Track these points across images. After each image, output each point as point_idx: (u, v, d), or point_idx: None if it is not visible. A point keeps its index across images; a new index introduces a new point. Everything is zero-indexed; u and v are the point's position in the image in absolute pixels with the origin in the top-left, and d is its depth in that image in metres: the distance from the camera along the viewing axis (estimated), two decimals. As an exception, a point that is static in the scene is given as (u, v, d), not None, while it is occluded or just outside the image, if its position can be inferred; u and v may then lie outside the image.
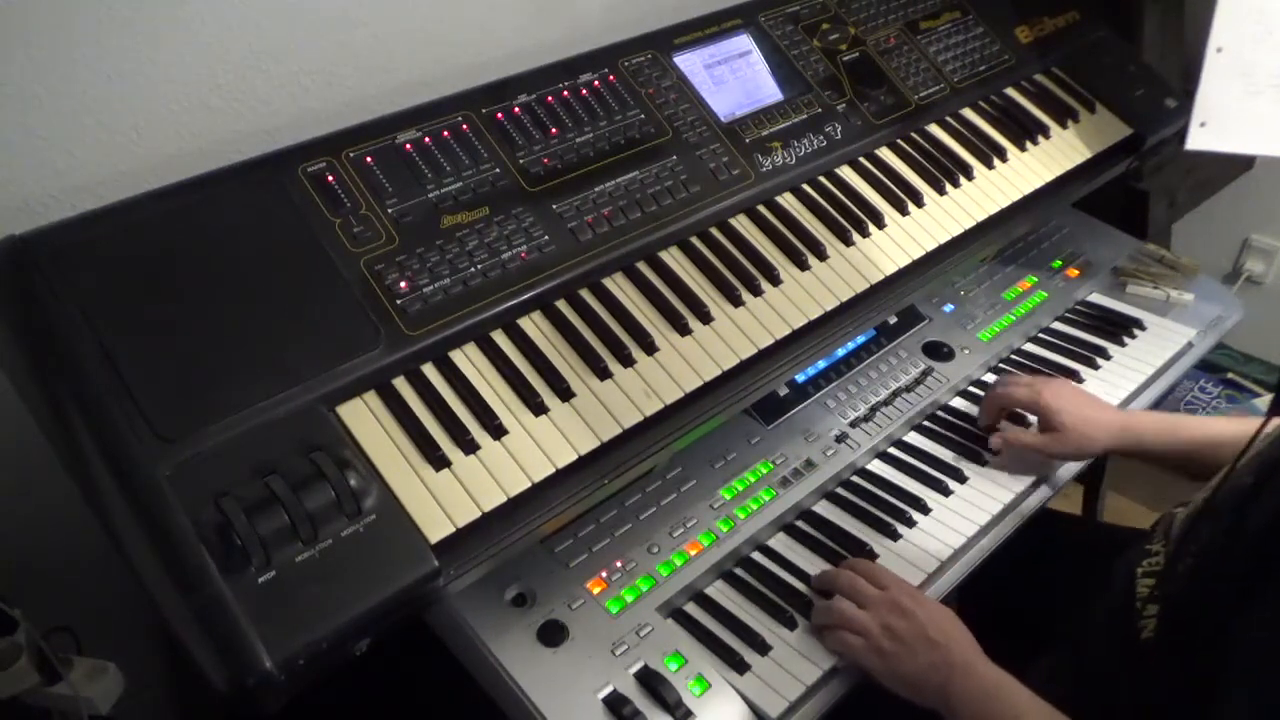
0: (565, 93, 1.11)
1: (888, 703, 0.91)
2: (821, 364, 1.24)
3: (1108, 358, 1.33)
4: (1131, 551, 0.95)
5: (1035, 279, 1.46)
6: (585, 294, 1.01)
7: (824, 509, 1.11)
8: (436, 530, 0.82)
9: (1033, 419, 1.17)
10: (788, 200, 1.18)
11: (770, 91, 1.24)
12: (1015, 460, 1.14)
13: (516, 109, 1.07)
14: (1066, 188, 1.38)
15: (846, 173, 1.24)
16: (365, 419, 0.86)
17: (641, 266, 1.06)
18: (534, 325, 0.98)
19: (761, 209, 1.15)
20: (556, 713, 0.86)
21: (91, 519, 0.79)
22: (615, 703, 0.86)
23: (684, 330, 1.01)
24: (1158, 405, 1.29)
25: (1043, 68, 1.49)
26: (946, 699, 0.87)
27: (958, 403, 1.27)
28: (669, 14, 1.25)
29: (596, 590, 0.96)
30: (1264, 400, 2.03)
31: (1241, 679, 0.71)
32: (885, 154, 1.28)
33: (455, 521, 0.83)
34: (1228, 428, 1.05)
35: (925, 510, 1.10)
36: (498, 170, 1.03)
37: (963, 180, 1.29)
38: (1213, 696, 0.72)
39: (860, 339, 1.28)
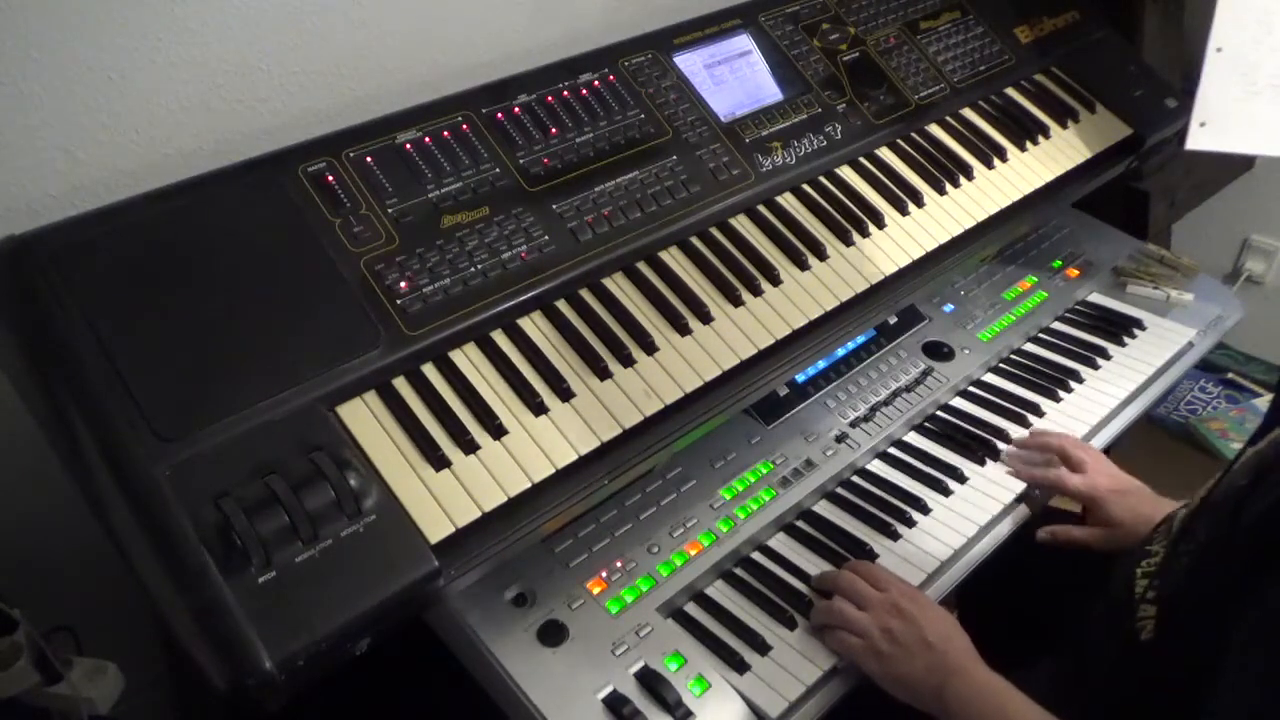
0: (565, 93, 1.11)
1: (888, 703, 0.91)
2: (821, 364, 1.24)
3: (1108, 358, 1.33)
4: (1132, 552, 0.94)
5: (1035, 279, 1.46)
6: (585, 294, 1.01)
7: (824, 509, 1.10)
8: (436, 530, 0.82)
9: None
10: (788, 200, 1.18)
11: (770, 91, 1.24)
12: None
13: (516, 109, 1.08)
14: (1066, 188, 1.38)
15: (846, 173, 1.24)
16: (365, 419, 0.86)
17: (641, 266, 1.06)
18: (534, 325, 0.98)
19: (761, 209, 1.15)
20: (556, 713, 0.86)
21: (91, 519, 0.79)
22: (615, 703, 0.86)
23: (684, 330, 1.01)
24: (1158, 405, 1.29)
25: (1043, 68, 1.49)
26: (943, 703, 0.87)
27: (958, 403, 1.27)
28: (669, 14, 1.25)
29: (596, 590, 0.96)
30: (1264, 400, 2.03)
31: (1236, 674, 0.71)
32: (885, 154, 1.28)
33: (455, 521, 0.83)
34: None
35: (925, 510, 1.10)
36: (498, 170, 1.03)
37: (963, 180, 1.29)
38: (1211, 696, 0.72)
39: (860, 339, 1.28)
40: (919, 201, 1.24)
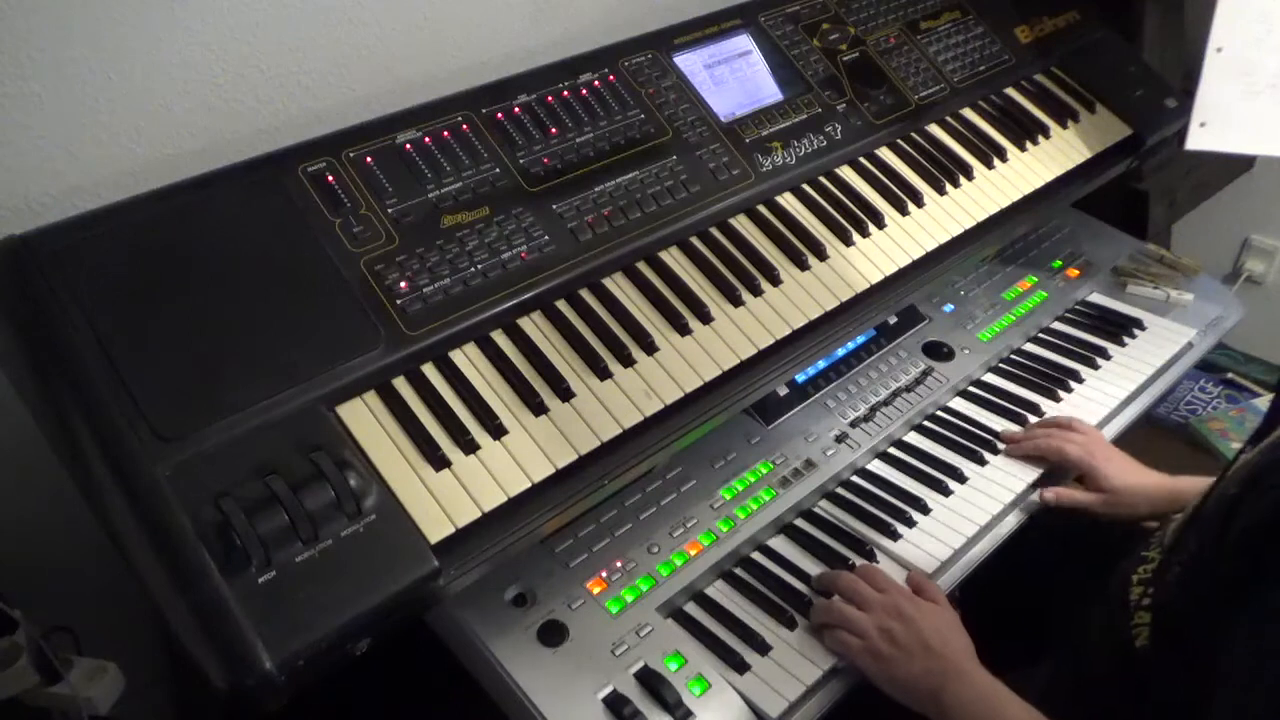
0: (565, 93, 1.11)
1: (888, 703, 0.91)
2: (821, 364, 1.24)
3: (1108, 358, 1.33)
4: (1129, 558, 0.95)
5: (1035, 279, 1.46)
6: (585, 294, 1.01)
7: (824, 509, 1.11)
8: (436, 530, 0.82)
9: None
10: (788, 200, 1.18)
11: (770, 91, 1.24)
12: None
13: (516, 109, 1.07)
14: (1066, 188, 1.38)
15: (846, 173, 1.24)
16: (365, 419, 0.86)
17: (641, 266, 1.05)
18: (534, 325, 0.98)
19: (761, 209, 1.15)
20: (556, 713, 0.86)
21: (91, 519, 0.79)
22: (615, 703, 0.86)
23: (684, 330, 1.01)
24: (1158, 405, 1.29)
25: (1043, 68, 1.49)
26: (940, 706, 0.87)
27: (957, 403, 1.27)
28: (669, 14, 1.25)
29: (596, 590, 0.96)
30: (1264, 400, 2.03)
31: (1229, 683, 0.71)
32: (885, 154, 1.28)
33: (455, 521, 0.83)
34: None
35: (925, 510, 1.10)
36: (498, 170, 1.03)
37: (963, 180, 1.29)
38: (1207, 705, 0.72)
39: (860, 339, 1.28)
40: (919, 201, 1.24)
